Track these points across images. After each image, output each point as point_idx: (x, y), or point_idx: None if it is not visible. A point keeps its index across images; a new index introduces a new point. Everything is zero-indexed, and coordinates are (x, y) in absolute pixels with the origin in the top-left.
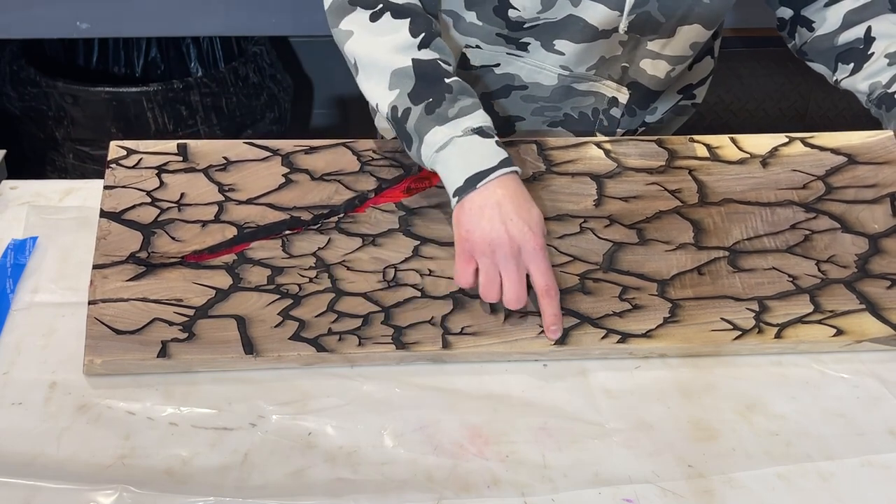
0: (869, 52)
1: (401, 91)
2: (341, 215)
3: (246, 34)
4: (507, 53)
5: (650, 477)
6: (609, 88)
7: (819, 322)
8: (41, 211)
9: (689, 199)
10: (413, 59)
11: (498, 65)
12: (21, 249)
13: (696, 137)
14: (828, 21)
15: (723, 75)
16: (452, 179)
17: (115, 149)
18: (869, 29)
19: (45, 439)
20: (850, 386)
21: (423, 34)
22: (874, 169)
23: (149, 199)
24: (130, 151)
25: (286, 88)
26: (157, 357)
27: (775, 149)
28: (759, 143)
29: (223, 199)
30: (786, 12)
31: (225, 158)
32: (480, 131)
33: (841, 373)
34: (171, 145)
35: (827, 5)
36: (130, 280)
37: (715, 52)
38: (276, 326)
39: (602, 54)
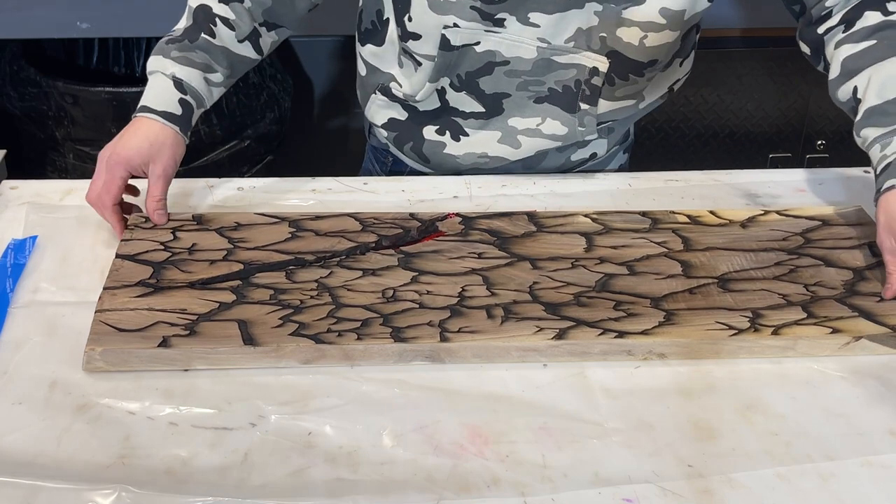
0: (858, 115)
1: (182, 22)
2: (343, 257)
3: None
4: (485, 31)
5: (650, 477)
6: (589, 59)
7: (814, 325)
8: (41, 210)
9: (674, 247)
10: (200, 5)
11: (478, 43)
12: (21, 249)
13: (676, 210)
14: (833, 64)
15: (723, 75)
16: (142, 99)
17: (135, 217)
18: (856, 89)
19: (45, 439)
20: (850, 386)
21: None
22: (849, 228)
23: (162, 247)
24: (149, 220)
25: (286, 88)
26: (158, 347)
27: (752, 217)
28: (737, 213)
29: (232, 247)
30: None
31: (236, 222)
32: (177, 82)
33: (841, 373)
34: (186, 215)
35: (836, 46)
36: (137, 297)
37: (697, 28)
38: (276, 327)
39: (579, 25)
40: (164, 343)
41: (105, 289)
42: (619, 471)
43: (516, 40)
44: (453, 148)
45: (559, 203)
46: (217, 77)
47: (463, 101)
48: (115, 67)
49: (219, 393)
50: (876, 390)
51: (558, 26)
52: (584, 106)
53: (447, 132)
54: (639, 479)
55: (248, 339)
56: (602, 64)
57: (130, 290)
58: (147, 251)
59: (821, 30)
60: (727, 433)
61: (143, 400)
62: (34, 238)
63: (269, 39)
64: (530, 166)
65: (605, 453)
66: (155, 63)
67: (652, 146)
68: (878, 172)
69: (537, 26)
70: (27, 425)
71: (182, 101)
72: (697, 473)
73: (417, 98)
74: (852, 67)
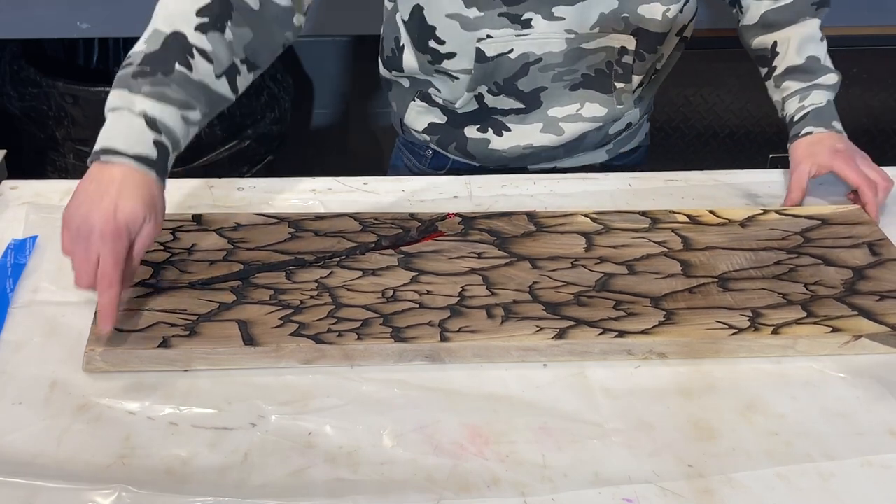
0: (773, 66)
1: (146, 47)
2: (343, 257)
3: None
4: (516, 36)
5: (650, 477)
6: (616, 40)
7: (814, 324)
8: (41, 210)
9: (674, 247)
10: (174, 32)
11: (511, 50)
12: (21, 249)
13: (676, 209)
14: (750, 12)
15: (723, 75)
16: (98, 141)
17: None
18: (775, 43)
19: (45, 439)
20: (850, 386)
21: (205, 19)
22: (848, 227)
23: (161, 248)
24: None
25: (286, 88)
26: (158, 347)
27: (752, 216)
28: (736, 212)
29: (232, 247)
30: None
31: (236, 223)
32: (150, 120)
33: (841, 373)
34: (185, 215)
35: None
36: (138, 297)
37: None
38: (276, 327)
39: (601, 10)
40: (165, 343)
41: None
42: (619, 471)
43: (545, 37)
44: (498, 143)
45: (559, 203)
46: (195, 115)
47: (502, 102)
48: (115, 67)
49: (219, 393)
50: (876, 390)
51: (582, 15)
52: (619, 84)
53: (489, 129)
54: (639, 479)
55: (249, 340)
56: (629, 42)
57: (130, 291)
58: (146, 252)
59: None
60: (727, 433)
61: (143, 400)
62: (34, 238)
63: (244, 80)
64: (573, 149)
65: (605, 453)
66: (119, 99)
67: (652, 146)
68: (795, 119)
69: (562, 19)
70: (27, 425)
71: (157, 143)
72: (697, 473)
73: (457, 105)
74: (771, 20)
